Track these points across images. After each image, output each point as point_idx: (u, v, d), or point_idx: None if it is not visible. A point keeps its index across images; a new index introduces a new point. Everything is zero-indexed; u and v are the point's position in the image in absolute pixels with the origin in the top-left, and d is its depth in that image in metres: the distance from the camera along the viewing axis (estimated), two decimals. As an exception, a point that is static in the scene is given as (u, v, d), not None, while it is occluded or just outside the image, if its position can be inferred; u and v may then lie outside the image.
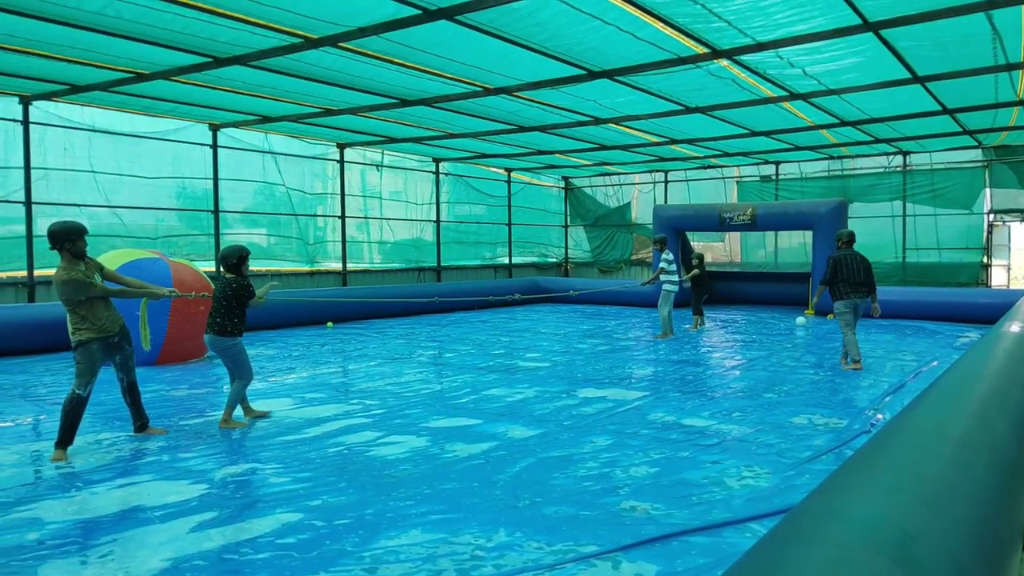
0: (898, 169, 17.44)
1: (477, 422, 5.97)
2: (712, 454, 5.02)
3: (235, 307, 5.82)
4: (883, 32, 7.65)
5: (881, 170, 17.74)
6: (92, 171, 11.55)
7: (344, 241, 15.84)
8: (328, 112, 11.84)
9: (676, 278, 11.38)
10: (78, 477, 4.51)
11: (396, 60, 8.69)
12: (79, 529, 3.67)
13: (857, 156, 17.73)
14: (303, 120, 12.46)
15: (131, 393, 5.48)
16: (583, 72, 9.27)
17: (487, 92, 10.31)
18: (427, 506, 4.01)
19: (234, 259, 5.87)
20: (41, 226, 11.06)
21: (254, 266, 14.42)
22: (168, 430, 5.67)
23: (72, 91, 10.12)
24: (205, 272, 10.77)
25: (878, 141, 15.26)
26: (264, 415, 6.17)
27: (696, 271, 12.44)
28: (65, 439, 4.98)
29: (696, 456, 4.98)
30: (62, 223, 5.10)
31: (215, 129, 13.14)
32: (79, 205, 11.49)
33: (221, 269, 5.97)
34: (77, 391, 5.00)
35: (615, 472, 4.62)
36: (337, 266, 15.76)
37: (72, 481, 4.43)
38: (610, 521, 3.80)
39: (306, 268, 15.10)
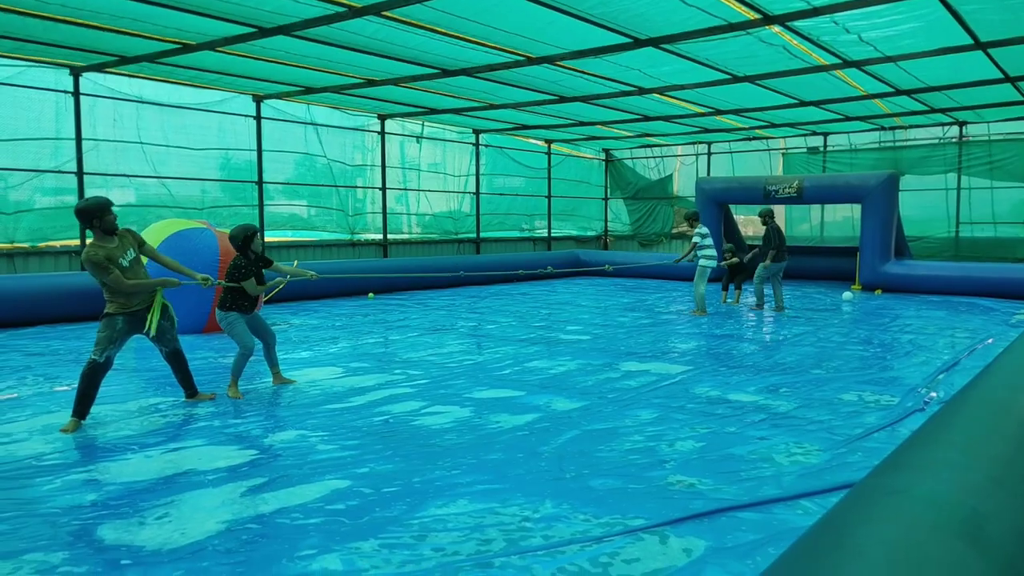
0: (953, 140, 16.81)
1: (520, 394, 5.96)
2: (759, 430, 4.94)
3: (232, 288, 5.87)
4: (947, -5, 7.31)
5: (936, 141, 17.11)
6: (140, 142, 11.73)
7: (385, 212, 15.91)
8: (370, 83, 11.82)
9: (713, 252, 10.81)
10: (132, 440, 4.63)
11: (440, 29, 8.60)
12: (134, 491, 3.77)
13: (911, 127, 17.12)
14: (344, 91, 12.46)
15: (175, 361, 5.54)
16: (629, 40, 9.07)
17: (530, 61, 10.16)
18: (473, 476, 4.03)
19: (239, 240, 5.91)
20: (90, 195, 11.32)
21: (297, 236, 14.62)
22: (216, 395, 5.78)
23: (120, 62, 10.26)
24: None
25: (934, 111, 14.70)
26: (290, 382, 6.27)
27: (735, 259, 12.30)
28: (80, 408, 4.93)
29: (743, 431, 4.90)
30: (88, 200, 5.05)
31: (259, 100, 13.23)
32: (128, 176, 11.72)
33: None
34: (93, 356, 4.97)
35: (660, 446, 4.58)
36: (377, 237, 15.85)
37: (126, 444, 4.55)
38: (657, 495, 3.77)
39: (347, 239, 15.21)
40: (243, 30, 8.55)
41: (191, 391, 5.67)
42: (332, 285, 13.04)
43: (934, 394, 5.88)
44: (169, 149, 12.14)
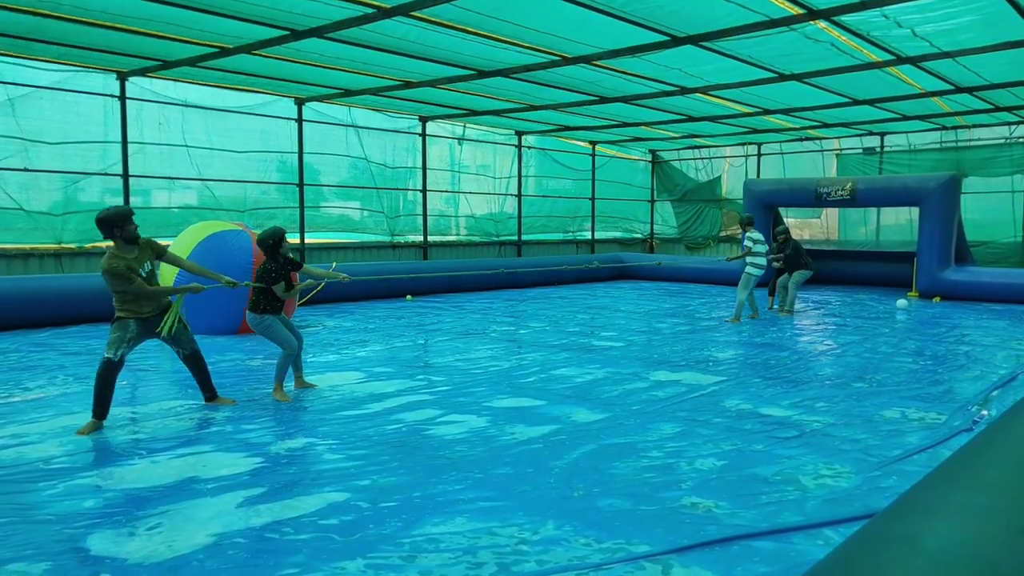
0: (1021, 140, 15.92)
1: (541, 403, 5.78)
2: (789, 448, 4.66)
3: (263, 292, 5.86)
4: (1006, -16, 6.84)
5: (1001, 141, 16.24)
6: (185, 145, 11.96)
7: (425, 215, 15.90)
8: (407, 84, 11.79)
9: (762, 260, 10.46)
10: (142, 445, 4.62)
11: (470, 29, 8.48)
12: (133, 499, 3.73)
13: (973, 126, 16.29)
14: (383, 93, 12.47)
15: (193, 364, 5.53)
16: (666, 38, 8.79)
17: (565, 61, 9.96)
18: (477, 491, 3.87)
19: (268, 244, 5.86)
20: (135, 198, 11.59)
21: (345, 238, 14.75)
22: (236, 400, 5.76)
23: (163, 66, 10.45)
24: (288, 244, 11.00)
25: (998, 109, 13.92)
26: (311, 386, 6.23)
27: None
28: (99, 409, 4.92)
29: (771, 449, 4.62)
30: (109, 210, 5.02)
31: (300, 103, 13.35)
32: (172, 178, 11.95)
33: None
34: (107, 355, 4.97)
35: (680, 464, 4.34)
36: (418, 238, 15.85)
37: (136, 449, 4.54)
38: (668, 518, 3.54)
39: (387, 240, 15.25)
40: (277, 33, 8.58)
41: (210, 394, 5.66)
42: (372, 287, 13.07)
43: (985, 412, 5.47)
44: (213, 152, 12.33)
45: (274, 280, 5.82)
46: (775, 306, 11.91)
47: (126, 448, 4.56)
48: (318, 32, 8.34)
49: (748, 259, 10.51)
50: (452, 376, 6.74)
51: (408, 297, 13.26)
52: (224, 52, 9.46)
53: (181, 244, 8.95)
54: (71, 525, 3.41)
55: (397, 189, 15.45)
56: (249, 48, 9.17)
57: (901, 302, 12.58)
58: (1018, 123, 15.68)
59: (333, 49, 9.51)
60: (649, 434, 4.95)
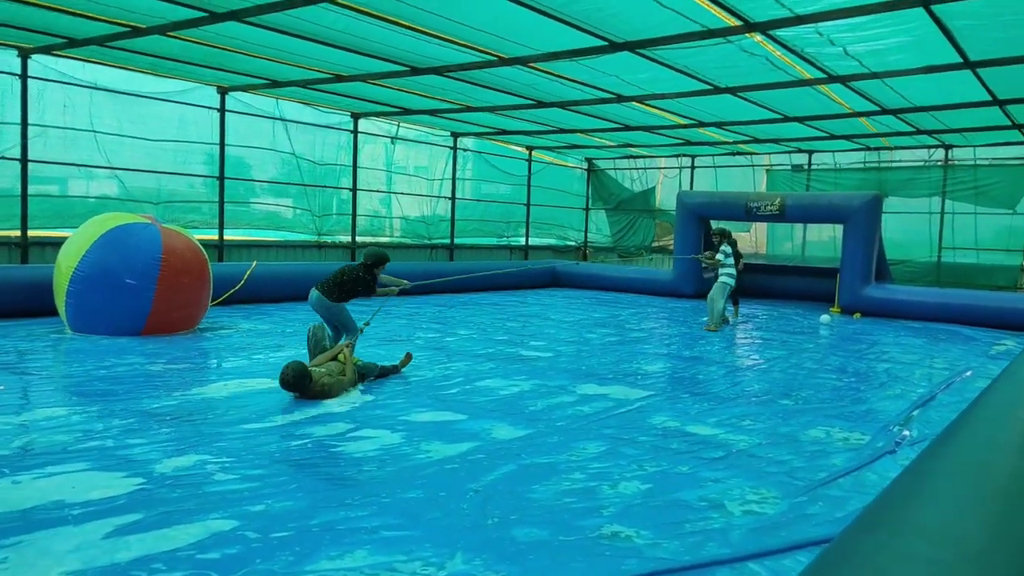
0: (939, 163, 16.54)
1: (462, 418, 5.48)
2: (715, 470, 4.48)
3: (347, 287, 6.77)
4: (935, 8, 6.94)
5: (921, 164, 16.85)
6: (93, 130, 11.16)
7: (354, 215, 15.40)
8: (338, 78, 11.33)
9: (734, 271, 11.02)
10: (6, 462, 4.09)
11: (403, 22, 8.14)
12: (-18, 527, 3.24)
13: (896, 148, 16.84)
14: (313, 86, 11.97)
15: None
16: (603, 43, 8.64)
17: (502, 62, 9.72)
18: (382, 519, 3.53)
19: (371, 260, 6.89)
20: (50, 186, 10.74)
21: (273, 237, 14.14)
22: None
23: (70, 44, 9.71)
24: (202, 240, 10.40)
25: (920, 132, 14.40)
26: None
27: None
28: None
29: (696, 471, 4.44)
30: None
31: (223, 92, 12.70)
32: (78, 165, 11.14)
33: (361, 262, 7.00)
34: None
35: (602, 487, 4.10)
36: (345, 239, 15.33)
37: (-2, 466, 4.02)
38: (586, 550, 3.29)
39: (314, 240, 14.69)
40: (194, 14, 8.04)
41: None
42: (295, 289, 12.50)
43: (907, 433, 5.45)
44: (123, 139, 11.56)
45: (368, 290, 6.85)
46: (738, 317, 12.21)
47: (-14, 465, 4.03)
48: (237, 15, 7.84)
49: (722, 270, 10.96)
50: (369, 386, 6.37)
51: (333, 299, 12.73)
52: (136, 32, 8.83)
53: (83, 236, 8.29)
54: None
55: (324, 187, 14.89)
56: (163, 29, 8.57)
57: (824, 317, 12.81)
58: (937, 147, 16.28)
59: (257, 35, 9.00)
60: (572, 453, 4.70)
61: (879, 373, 7.94)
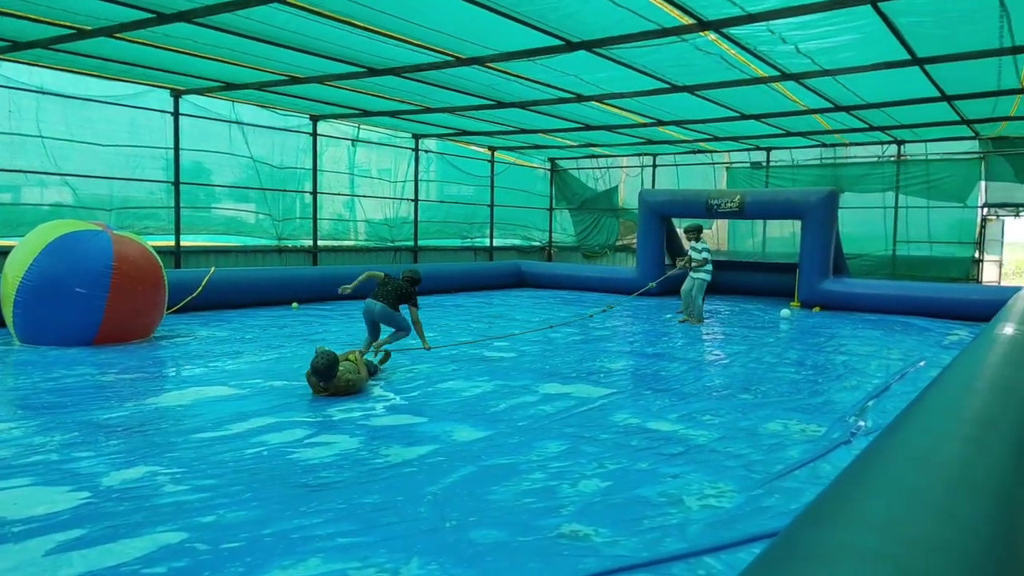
0: (892, 159, 16.92)
1: (422, 420, 5.42)
2: (674, 465, 4.50)
3: (403, 298, 7.41)
4: (882, 5, 7.07)
5: (875, 159, 17.21)
6: (40, 136, 10.84)
7: (315, 218, 15.20)
8: (294, 80, 11.17)
9: (711, 267, 11.38)
10: (-56, 480, 3.94)
11: (358, 23, 8.04)
12: (-86, 549, 3.11)
13: (851, 144, 17.17)
14: (269, 88, 11.79)
15: None
16: (560, 43, 8.65)
17: (459, 62, 9.67)
18: (338, 525, 3.47)
19: (416, 276, 7.72)
20: (3, 194, 10.41)
21: (232, 241, 13.93)
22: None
23: (13, 48, 9.41)
24: (158, 247, 10.19)
25: (872, 129, 14.70)
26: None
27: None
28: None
29: (656, 468, 4.45)
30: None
31: (176, 95, 12.44)
32: (25, 172, 10.81)
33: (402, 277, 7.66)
34: None
35: (562, 487, 4.09)
36: (308, 243, 15.14)
37: (-65, 484, 3.86)
38: (545, 551, 3.27)
39: (274, 245, 14.47)
40: (141, 15, 7.84)
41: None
42: (256, 294, 12.31)
43: (862, 423, 5.54)
44: (74, 144, 11.25)
45: (411, 301, 7.50)
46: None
47: (-79, 484, 3.87)
48: (186, 16, 7.66)
49: (700, 267, 11.27)
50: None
51: (294, 305, 12.57)
52: (81, 34, 8.59)
53: (29, 244, 8.06)
54: None
55: (284, 191, 14.67)
56: (110, 31, 8.35)
57: (784, 312, 12.99)
58: (889, 143, 16.64)
59: (209, 37, 8.82)
60: (533, 453, 4.68)
61: (836, 365, 8.07)
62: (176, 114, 12.53)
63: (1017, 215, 15.98)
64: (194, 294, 10.93)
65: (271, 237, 14.51)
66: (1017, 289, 11.98)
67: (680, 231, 15.41)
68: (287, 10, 7.51)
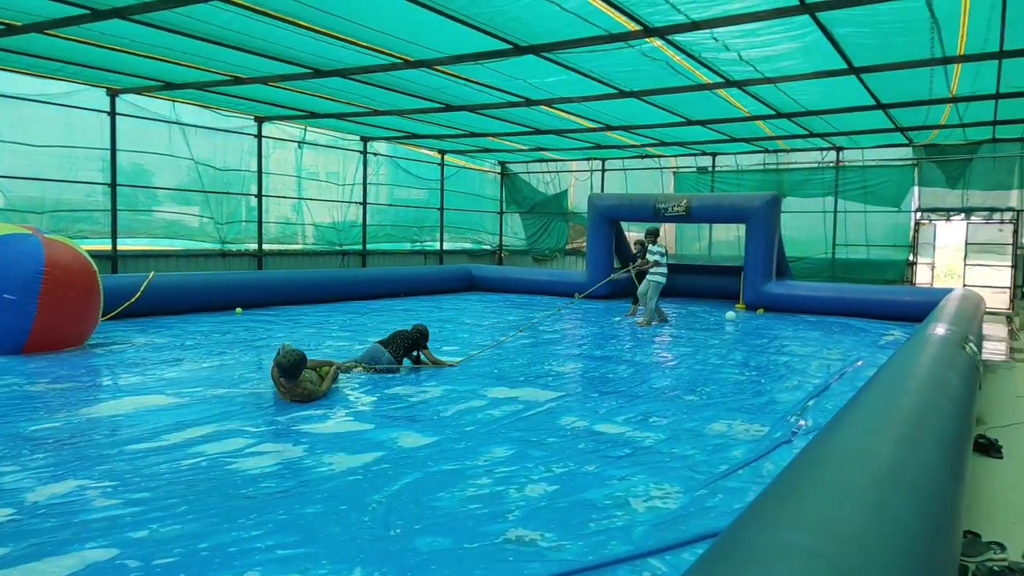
0: (831, 165, 17.43)
1: (368, 427, 5.34)
2: (621, 468, 4.52)
3: (412, 347, 7.56)
4: (820, 15, 7.27)
5: (815, 165, 17.71)
6: (-33, 136, 10.37)
7: (260, 222, 14.90)
8: (238, 80, 10.93)
9: (665, 270, 11.55)
10: None
11: (302, 23, 7.91)
12: None
13: (792, 150, 17.64)
14: (211, 88, 11.51)
15: None
16: (508, 47, 8.66)
17: (407, 65, 9.59)
18: (277, 537, 3.38)
19: (426, 331, 7.68)
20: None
21: (175, 245, 13.55)
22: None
23: (-64, 44, 8.99)
24: (94, 251, 9.83)
25: (812, 135, 15.13)
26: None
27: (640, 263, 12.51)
28: None
29: (603, 470, 4.46)
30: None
31: (113, 95, 12.04)
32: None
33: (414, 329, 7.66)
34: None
35: (508, 491, 4.06)
36: (253, 247, 14.82)
37: None
38: (489, 557, 3.24)
39: (217, 249, 14.12)
40: (74, 11, 7.56)
41: None
42: (199, 298, 11.98)
43: (803, 423, 5.67)
44: (4, 145, 10.78)
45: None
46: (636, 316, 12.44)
47: None
48: (121, 13, 7.41)
49: (655, 268, 11.48)
50: (271, 399, 6.12)
51: (238, 310, 12.27)
52: (12, 30, 8.24)
53: (-48, 249, 7.66)
54: None
55: (227, 193, 14.33)
56: (41, 27, 8.03)
57: (730, 314, 13.25)
58: (828, 149, 17.15)
59: (147, 35, 8.56)
60: (480, 458, 4.65)
61: (779, 366, 8.25)
62: (113, 114, 12.13)
63: (948, 219, 16.63)
64: (132, 300, 10.58)
65: (215, 241, 14.17)
66: (948, 291, 12.46)
67: (633, 235, 15.68)
68: (229, 9, 7.34)
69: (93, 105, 11.92)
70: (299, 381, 5.95)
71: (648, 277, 11.58)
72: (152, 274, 11.23)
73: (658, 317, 11.82)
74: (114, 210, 12.27)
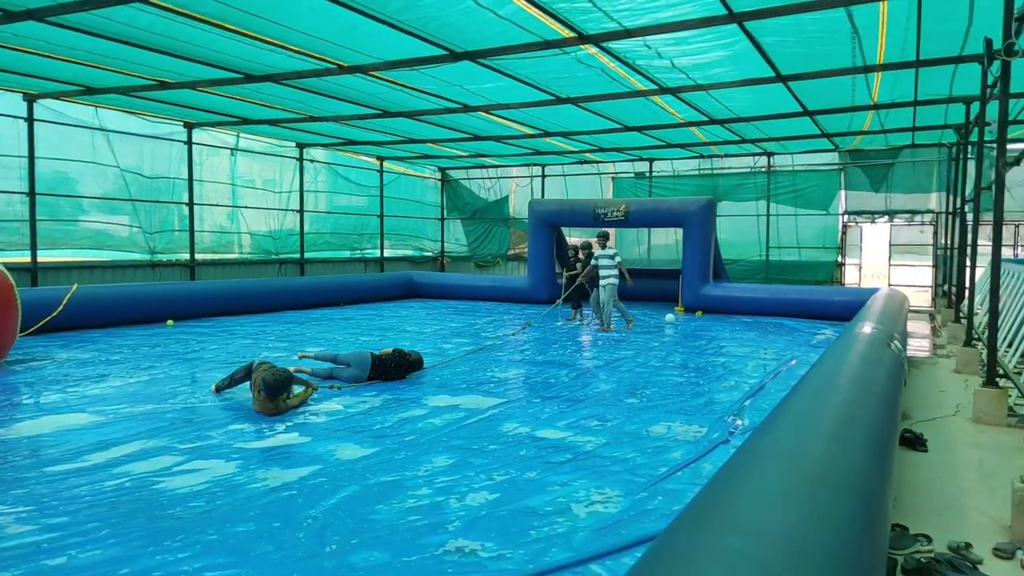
0: (763, 170, 17.93)
1: (304, 440, 5.20)
2: (562, 473, 4.51)
3: (410, 368, 7.55)
4: (747, 24, 7.45)
5: (747, 170, 18.19)
6: None
7: (192, 231, 14.43)
8: (164, 85, 10.56)
9: (618, 272, 11.59)
10: None
11: (230, 26, 7.69)
12: None
13: (726, 156, 18.08)
14: (136, 93, 11.09)
15: None
16: (444, 52, 8.60)
17: (341, 70, 9.44)
18: (206, 559, 3.24)
19: (414, 359, 7.62)
20: None
21: (102, 256, 13.02)
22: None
23: None
24: (12, 263, 9.34)
25: (744, 141, 15.53)
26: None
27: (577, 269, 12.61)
28: None
29: (544, 477, 4.44)
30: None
31: (31, 100, 11.49)
32: None
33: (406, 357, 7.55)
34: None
35: (449, 501, 4.00)
36: (185, 256, 14.34)
37: None
38: (429, 569, 3.17)
39: (147, 259, 13.62)
40: (-18, 12, 7.19)
41: None
42: (126, 311, 11.51)
43: (740, 422, 5.77)
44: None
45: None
46: (578, 319, 12.52)
47: None
48: (35, 15, 7.07)
49: (608, 272, 11.54)
50: (203, 413, 5.92)
51: (169, 322, 11.84)
52: (-85, 31, 7.78)
53: None
54: None
55: (155, 202, 13.83)
56: (-52, 28, 7.61)
57: (669, 317, 13.45)
58: (760, 154, 17.64)
59: (65, 37, 8.18)
60: (419, 468, 4.57)
61: (717, 367, 8.41)
62: (30, 120, 11.58)
63: (873, 221, 17.30)
64: (53, 314, 10.09)
65: (144, 251, 13.66)
66: (875, 291, 12.94)
67: (572, 240, 15.77)
68: (151, 11, 7.07)
69: (9, 111, 11.36)
70: (280, 398, 5.92)
71: (601, 282, 11.61)
72: (75, 286, 10.75)
73: (626, 320, 11.88)
74: (33, 220, 11.70)
